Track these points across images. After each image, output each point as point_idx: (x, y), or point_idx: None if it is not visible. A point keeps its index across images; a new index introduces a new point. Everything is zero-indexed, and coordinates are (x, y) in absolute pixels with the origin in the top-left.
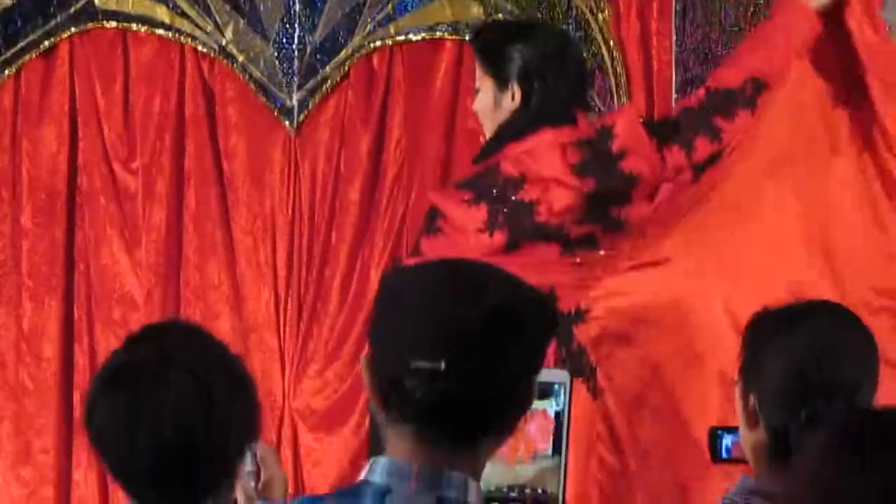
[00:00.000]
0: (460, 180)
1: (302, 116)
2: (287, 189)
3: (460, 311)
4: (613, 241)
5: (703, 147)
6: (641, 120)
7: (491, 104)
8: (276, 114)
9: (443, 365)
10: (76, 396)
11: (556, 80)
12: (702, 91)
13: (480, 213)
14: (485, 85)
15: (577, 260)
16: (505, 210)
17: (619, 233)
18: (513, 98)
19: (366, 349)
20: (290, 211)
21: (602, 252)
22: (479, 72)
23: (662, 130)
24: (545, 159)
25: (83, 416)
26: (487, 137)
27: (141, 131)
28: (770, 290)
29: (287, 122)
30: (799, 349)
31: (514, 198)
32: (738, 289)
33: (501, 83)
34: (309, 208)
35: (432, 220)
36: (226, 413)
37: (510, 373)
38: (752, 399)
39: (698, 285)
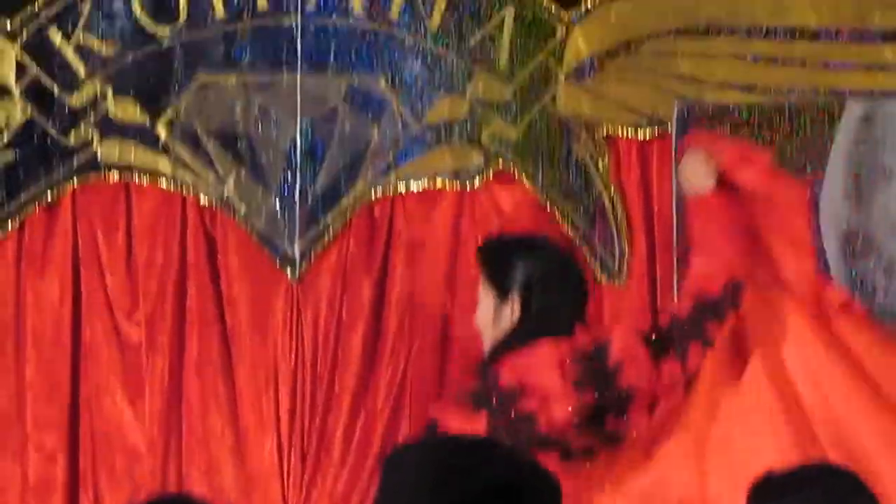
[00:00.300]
0: (458, 393)
1: (304, 265)
2: (289, 338)
3: (463, 487)
4: (612, 454)
5: (695, 356)
6: (638, 331)
7: (491, 315)
8: (277, 263)
9: None
10: None
11: (557, 295)
12: (688, 302)
13: (480, 423)
14: (486, 296)
15: (576, 470)
16: (505, 420)
17: (617, 446)
18: (512, 311)
19: None
20: (292, 359)
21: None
22: (482, 283)
23: (657, 342)
24: (544, 372)
25: None
26: (486, 348)
27: (143, 282)
28: None
29: (289, 271)
30: None
31: (513, 408)
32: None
33: (502, 295)
34: (311, 357)
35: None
36: None
37: None
38: None
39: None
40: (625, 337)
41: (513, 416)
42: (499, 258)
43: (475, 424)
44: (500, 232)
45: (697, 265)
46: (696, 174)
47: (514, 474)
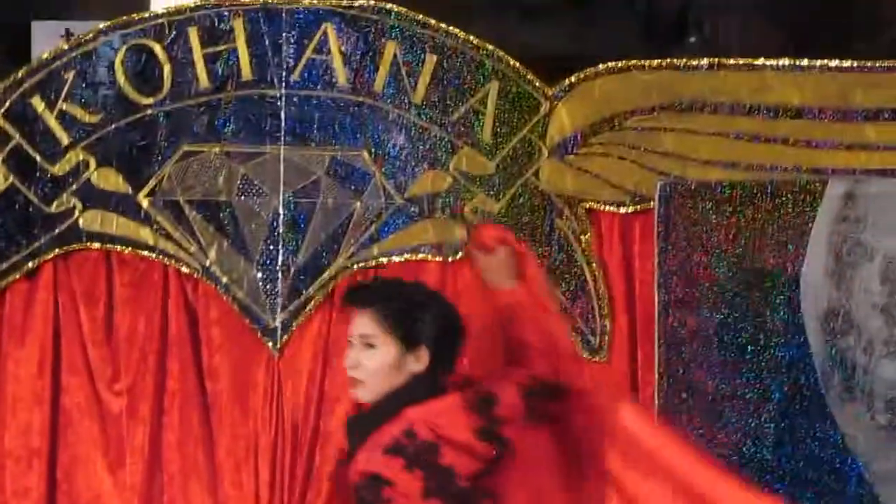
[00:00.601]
0: (383, 444)
1: (285, 337)
2: (270, 410)
3: None
4: None
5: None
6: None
7: (390, 364)
8: (259, 335)
9: None
10: None
11: (458, 347)
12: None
13: (417, 481)
14: (385, 344)
15: None
16: (434, 476)
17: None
18: (418, 360)
19: None
20: (272, 432)
21: None
22: (374, 330)
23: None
24: (457, 424)
25: None
26: (366, 395)
27: (125, 352)
28: None
29: (270, 343)
30: None
31: (437, 463)
32: None
33: (409, 345)
34: (292, 430)
35: (378, 491)
36: None
37: None
38: None
39: None
40: (508, 390)
41: (438, 471)
42: (407, 309)
43: (415, 483)
44: (374, 277)
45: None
46: (500, 273)
47: None
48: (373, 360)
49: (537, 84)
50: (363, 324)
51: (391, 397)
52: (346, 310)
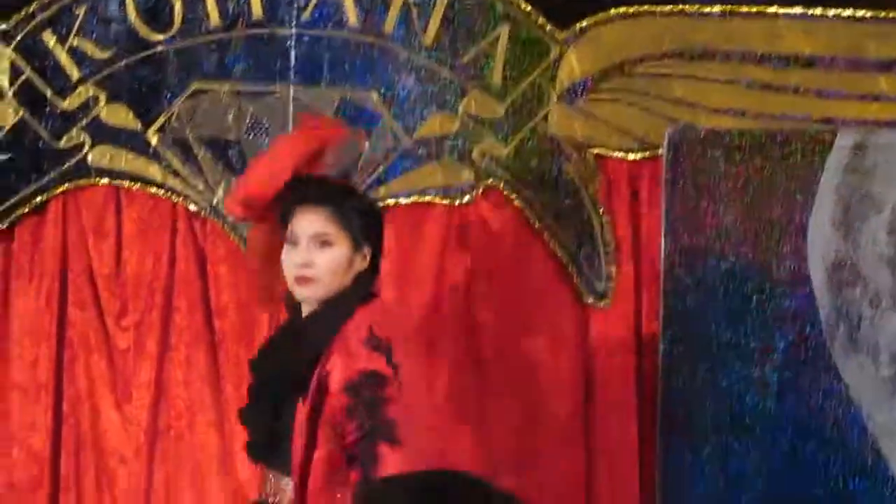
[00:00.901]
0: (362, 340)
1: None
2: None
3: None
4: None
5: None
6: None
7: (344, 262)
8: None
9: None
10: None
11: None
12: None
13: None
14: (341, 241)
15: None
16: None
17: None
18: (364, 259)
19: None
20: None
21: None
22: (332, 228)
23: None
24: (399, 324)
25: None
26: (318, 293)
27: (132, 288)
28: None
29: None
30: None
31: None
32: None
33: (357, 245)
34: None
35: (379, 387)
36: None
37: None
38: None
39: None
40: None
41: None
42: (356, 209)
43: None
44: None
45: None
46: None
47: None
48: (329, 257)
49: (548, 28)
50: (320, 222)
51: (342, 296)
52: (294, 206)
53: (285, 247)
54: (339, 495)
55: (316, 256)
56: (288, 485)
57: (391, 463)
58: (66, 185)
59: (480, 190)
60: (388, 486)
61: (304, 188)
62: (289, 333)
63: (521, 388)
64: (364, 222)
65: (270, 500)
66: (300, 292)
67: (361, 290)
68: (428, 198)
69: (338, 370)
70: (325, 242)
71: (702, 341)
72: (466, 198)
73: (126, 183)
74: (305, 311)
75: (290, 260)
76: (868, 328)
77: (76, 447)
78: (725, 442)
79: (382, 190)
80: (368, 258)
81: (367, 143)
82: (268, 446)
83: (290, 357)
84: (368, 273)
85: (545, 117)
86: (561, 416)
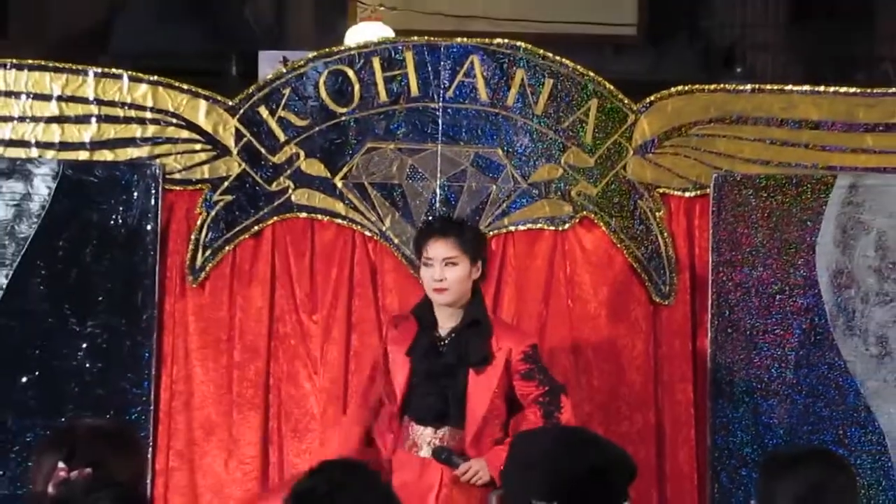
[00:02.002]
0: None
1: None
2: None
3: (569, 466)
4: None
5: None
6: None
7: (467, 275)
8: (419, 281)
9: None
10: (270, 485)
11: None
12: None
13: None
14: (463, 261)
15: None
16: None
17: None
18: (477, 271)
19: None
20: None
21: None
22: (456, 252)
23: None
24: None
25: None
26: (449, 298)
27: (322, 292)
28: None
29: None
30: (802, 486)
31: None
32: None
33: (473, 260)
34: None
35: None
36: None
37: None
38: None
39: None
40: None
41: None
42: (473, 233)
43: None
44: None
45: None
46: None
47: (608, 458)
48: (455, 273)
49: (626, 102)
50: (446, 248)
51: (476, 301)
52: (427, 238)
53: (422, 267)
54: (497, 436)
55: (446, 273)
56: (447, 432)
57: (568, 409)
58: (276, 217)
59: (577, 219)
60: (527, 437)
61: (433, 224)
62: (472, 327)
63: (607, 364)
64: (477, 245)
65: (439, 443)
66: (438, 298)
67: (479, 293)
68: (539, 226)
69: (515, 346)
70: (451, 263)
71: (739, 329)
72: (567, 225)
73: (319, 216)
74: (439, 311)
75: (429, 276)
76: (860, 318)
77: (278, 410)
78: (756, 402)
79: (506, 220)
80: (481, 268)
81: (494, 187)
82: (442, 411)
83: (479, 342)
84: (481, 279)
85: (624, 166)
86: (636, 385)
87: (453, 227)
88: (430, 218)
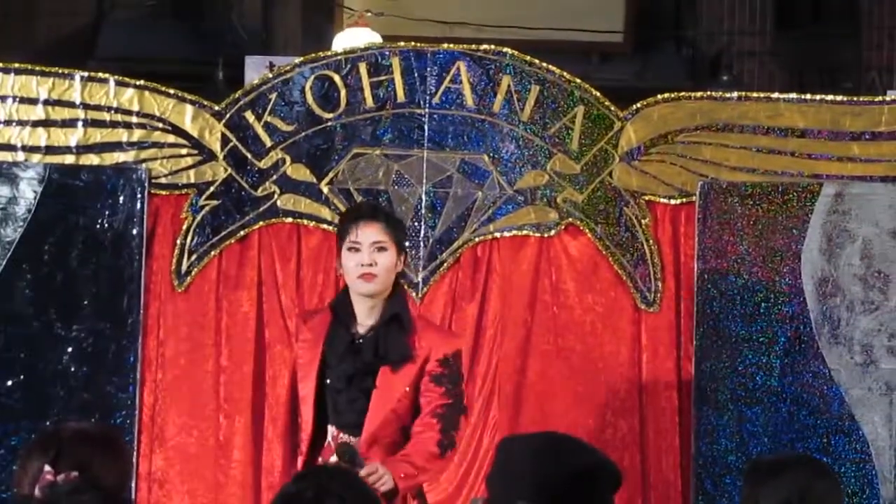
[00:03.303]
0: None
1: (425, 289)
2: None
3: (555, 472)
4: None
5: None
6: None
7: (394, 264)
8: (406, 287)
9: None
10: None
11: None
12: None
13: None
14: (392, 248)
15: None
16: None
17: None
18: (402, 262)
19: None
20: None
21: None
22: (385, 237)
23: None
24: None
25: None
26: (376, 288)
27: (308, 297)
28: None
29: (414, 293)
30: (786, 492)
31: None
32: None
33: (400, 250)
34: None
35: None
36: None
37: None
38: None
39: None
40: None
41: None
42: (400, 222)
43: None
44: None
45: None
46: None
47: (591, 463)
48: (384, 259)
49: (612, 108)
50: (376, 232)
51: (398, 293)
52: (356, 221)
53: (345, 253)
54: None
55: (377, 258)
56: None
57: (462, 434)
58: (261, 222)
59: (563, 226)
60: (514, 442)
61: (360, 207)
62: (392, 323)
63: (592, 371)
64: (403, 234)
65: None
66: (364, 287)
67: (401, 287)
68: (524, 232)
69: (437, 347)
70: (381, 248)
71: (724, 336)
72: (552, 232)
73: (304, 221)
74: (359, 304)
75: (355, 262)
76: (845, 327)
77: (265, 415)
78: (741, 410)
79: (491, 227)
80: (403, 261)
81: (480, 194)
82: (359, 421)
83: (400, 338)
84: (401, 273)
85: (610, 173)
86: (621, 392)
87: (381, 212)
88: (355, 204)
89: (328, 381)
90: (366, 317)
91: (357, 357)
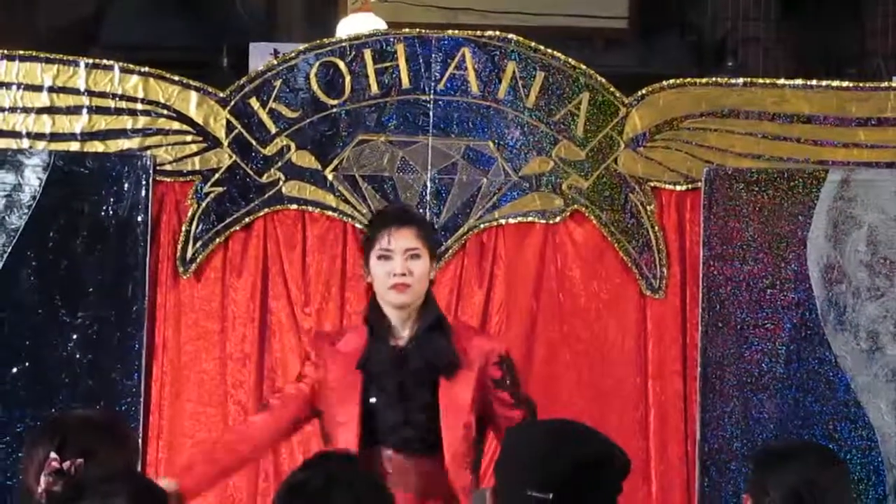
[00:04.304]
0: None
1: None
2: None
3: (563, 457)
4: None
5: None
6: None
7: (427, 272)
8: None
9: (551, 496)
10: (262, 476)
11: None
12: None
13: None
14: (425, 254)
15: None
16: None
17: None
18: (433, 270)
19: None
20: None
21: None
22: (418, 243)
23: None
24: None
25: None
26: (410, 298)
27: (313, 284)
28: None
29: None
30: (794, 479)
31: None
32: None
33: (432, 256)
34: None
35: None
36: None
37: (598, 502)
38: None
39: None
40: None
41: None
42: (433, 230)
43: None
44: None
45: None
46: None
47: (601, 451)
48: (419, 267)
49: (617, 95)
50: (409, 238)
51: (431, 301)
52: (387, 227)
53: (375, 261)
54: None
55: (411, 266)
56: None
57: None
58: (266, 209)
59: (568, 213)
60: (521, 429)
61: (390, 212)
62: (433, 330)
63: (598, 358)
64: (435, 240)
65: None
66: (397, 298)
67: (432, 295)
68: (530, 219)
69: (490, 349)
70: (414, 255)
71: (730, 323)
72: (557, 219)
73: (310, 208)
74: (393, 315)
75: (386, 271)
76: (851, 313)
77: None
78: (747, 397)
79: (496, 213)
80: (434, 271)
81: (485, 180)
82: (417, 437)
83: (445, 344)
84: (432, 281)
85: (615, 160)
86: (626, 379)
87: (413, 216)
88: (382, 207)
89: (373, 399)
90: (402, 328)
91: (403, 369)
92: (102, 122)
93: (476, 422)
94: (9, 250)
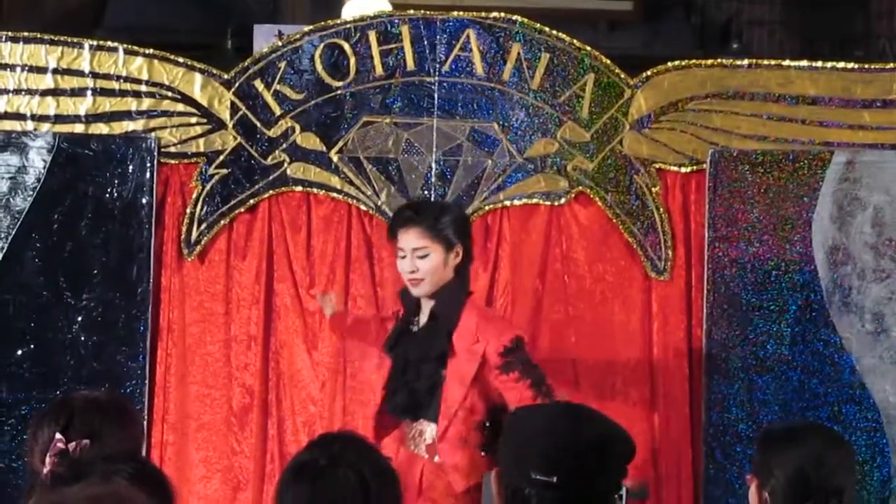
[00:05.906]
0: (500, 315)
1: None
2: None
3: (568, 440)
4: None
5: None
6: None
7: (441, 264)
8: None
9: (555, 479)
10: (268, 458)
11: (470, 236)
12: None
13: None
14: (435, 250)
15: None
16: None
17: None
18: (457, 256)
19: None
20: None
21: None
22: (424, 242)
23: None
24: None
25: (275, 501)
26: (425, 289)
27: (318, 266)
28: None
29: None
30: (799, 460)
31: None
32: None
33: (448, 247)
34: None
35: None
36: (378, 499)
37: (603, 486)
38: (765, 495)
39: None
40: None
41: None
42: (436, 221)
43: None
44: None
45: None
46: None
47: (606, 433)
48: (426, 264)
49: (622, 76)
50: (415, 238)
51: (452, 287)
52: (396, 228)
53: (398, 259)
54: (470, 433)
55: (419, 264)
56: (428, 426)
57: (555, 389)
58: (271, 191)
59: (573, 194)
60: (526, 412)
61: (404, 211)
62: (432, 321)
63: (603, 340)
64: (454, 229)
65: (414, 441)
66: (414, 291)
67: (461, 277)
68: (535, 200)
69: (493, 339)
70: (422, 255)
71: (735, 305)
72: (562, 200)
73: (314, 190)
74: (423, 301)
75: (402, 268)
76: (856, 295)
77: (277, 383)
78: (751, 378)
79: (501, 195)
80: (461, 253)
81: (490, 162)
82: (410, 404)
83: (438, 338)
84: (464, 262)
85: (620, 141)
86: (631, 361)
87: (425, 214)
88: (406, 203)
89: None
90: (425, 313)
91: (408, 349)
92: (107, 104)
93: (489, 408)
94: (13, 233)
